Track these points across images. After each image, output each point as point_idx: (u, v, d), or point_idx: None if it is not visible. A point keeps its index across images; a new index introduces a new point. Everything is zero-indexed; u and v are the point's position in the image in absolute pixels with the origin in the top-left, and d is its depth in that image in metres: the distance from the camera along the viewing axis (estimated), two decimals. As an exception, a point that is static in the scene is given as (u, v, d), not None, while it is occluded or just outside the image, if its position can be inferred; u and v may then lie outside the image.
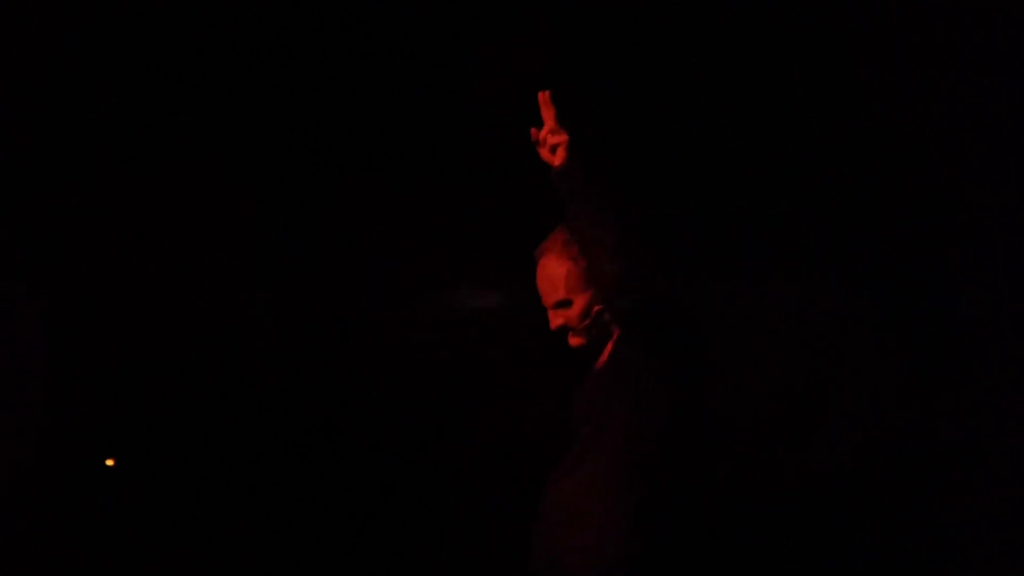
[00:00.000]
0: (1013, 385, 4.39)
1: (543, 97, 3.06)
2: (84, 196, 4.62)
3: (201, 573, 4.67)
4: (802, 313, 4.42)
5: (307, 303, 4.76)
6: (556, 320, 3.22)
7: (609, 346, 3.21)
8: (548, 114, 3.04)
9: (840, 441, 4.41)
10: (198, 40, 4.57)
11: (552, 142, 3.02)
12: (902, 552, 4.38)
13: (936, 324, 4.49)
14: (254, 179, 4.68)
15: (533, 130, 3.05)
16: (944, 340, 4.48)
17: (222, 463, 4.76)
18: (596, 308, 3.17)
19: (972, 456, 4.37)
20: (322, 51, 4.60)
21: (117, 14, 4.48)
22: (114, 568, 4.65)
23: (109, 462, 4.67)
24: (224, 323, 4.68)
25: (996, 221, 4.43)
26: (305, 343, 4.75)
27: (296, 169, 4.70)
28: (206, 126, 4.63)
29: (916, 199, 4.48)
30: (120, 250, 4.67)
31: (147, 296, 4.68)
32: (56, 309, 4.65)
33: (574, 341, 3.23)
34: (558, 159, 3.01)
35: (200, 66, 4.60)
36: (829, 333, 4.44)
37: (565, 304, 3.19)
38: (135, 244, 4.68)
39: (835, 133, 4.47)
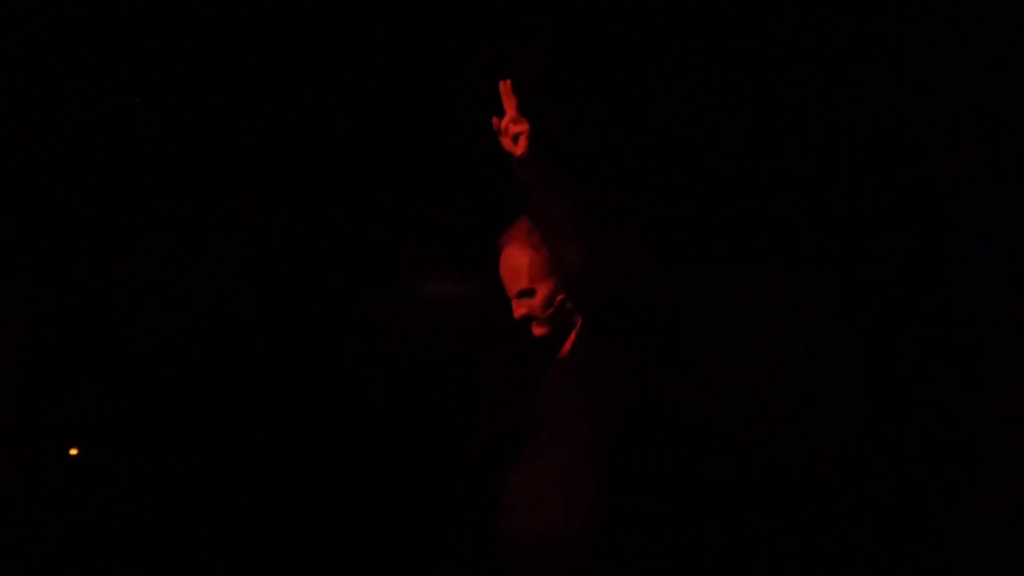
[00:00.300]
0: (1007, 381, 4.37)
1: (504, 87, 3.07)
2: (73, 196, 4.66)
3: (197, 573, 4.69)
4: (777, 302, 4.41)
5: (303, 303, 4.78)
6: (519, 309, 3.23)
7: (572, 335, 3.21)
8: (509, 103, 3.05)
9: (812, 435, 4.39)
10: (192, 40, 4.61)
11: (514, 131, 3.03)
12: (883, 549, 4.37)
13: (916, 315, 4.47)
14: (248, 177, 4.70)
15: (495, 119, 3.06)
16: (925, 331, 4.46)
17: (218, 463, 4.78)
18: (559, 297, 3.18)
19: (959, 456, 4.34)
20: (314, 50, 4.63)
21: (113, 13, 4.52)
22: (108, 568, 4.67)
23: (73, 451, 4.70)
24: (218, 322, 4.71)
25: (987, 213, 4.40)
26: (302, 342, 4.77)
27: (291, 168, 4.72)
28: (193, 124, 4.67)
29: (897, 187, 4.46)
30: (112, 250, 4.70)
31: (134, 295, 4.70)
32: (49, 309, 4.69)
33: (538, 331, 3.23)
34: (519, 148, 3.02)
35: (193, 66, 4.64)
36: (806, 322, 4.43)
37: (528, 293, 3.20)
38: (124, 243, 4.71)
39: (813, 121, 4.46)
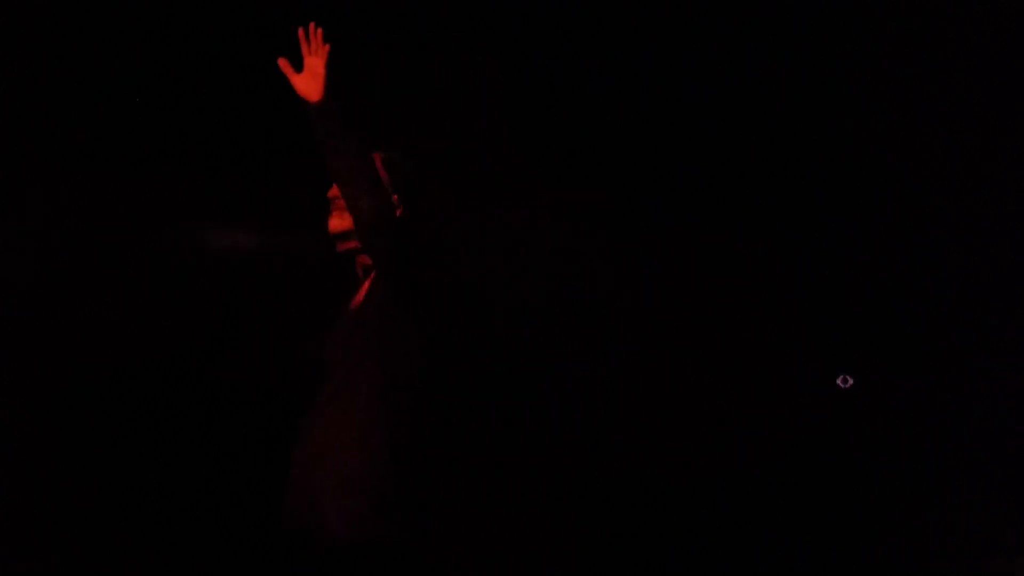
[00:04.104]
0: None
1: (310, 31, 3.06)
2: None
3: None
4: (564, 254, 4.42)
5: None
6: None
7: (366, 285, 3.20)
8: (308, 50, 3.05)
9: (598, 379, 4.40)
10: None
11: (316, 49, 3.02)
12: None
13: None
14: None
15: (282, 61, 3.05)
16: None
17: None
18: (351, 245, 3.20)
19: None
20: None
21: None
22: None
23: None
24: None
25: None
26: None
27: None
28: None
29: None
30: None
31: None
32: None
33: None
34: (315, 95, 3.00)
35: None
36: (589, 274, 4.44)
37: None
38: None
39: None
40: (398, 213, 3.11)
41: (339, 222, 3.20)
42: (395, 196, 3.16)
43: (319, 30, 3.04)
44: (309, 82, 3.01)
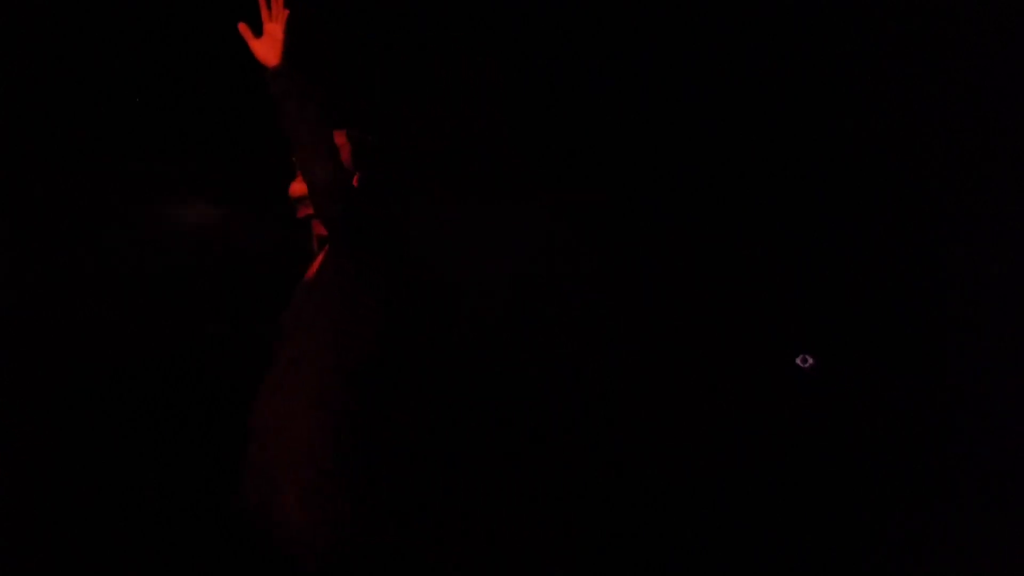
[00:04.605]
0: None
1: None
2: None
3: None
4: (520, 232, 4.41)
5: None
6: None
7: (320, 257, 3.18)
8: (267, 13, 3.05)
9: (560, 363, 4.39)
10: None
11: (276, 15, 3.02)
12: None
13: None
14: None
15: (242, 25, 3.04)
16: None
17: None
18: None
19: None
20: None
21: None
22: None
23: None
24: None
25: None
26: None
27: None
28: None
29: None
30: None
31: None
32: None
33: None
34: (273, 59, 3.00)
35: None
36: (550, 256, 4.45)
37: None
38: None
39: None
40: (355, 184, 3.10)
41: (300, 186, 3.19)
42: (357, 171, 3.14)
43: None
44: (268, 47, 3.02)
